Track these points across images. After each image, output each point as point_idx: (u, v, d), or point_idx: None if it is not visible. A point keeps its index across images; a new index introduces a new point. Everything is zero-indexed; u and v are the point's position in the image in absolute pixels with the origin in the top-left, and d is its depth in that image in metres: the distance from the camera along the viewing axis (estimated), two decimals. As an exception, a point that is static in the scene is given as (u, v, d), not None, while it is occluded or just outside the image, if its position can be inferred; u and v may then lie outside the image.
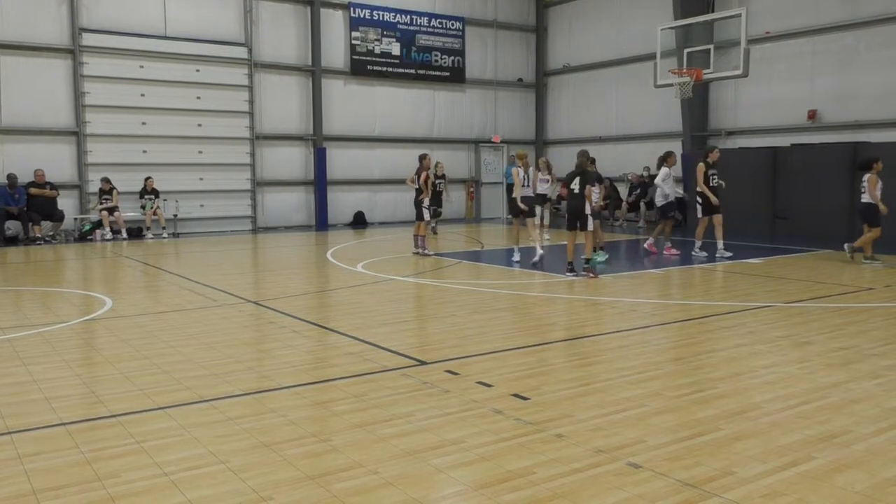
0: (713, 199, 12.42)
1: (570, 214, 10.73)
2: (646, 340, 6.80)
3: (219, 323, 7.72)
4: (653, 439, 4.16)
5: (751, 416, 4.58)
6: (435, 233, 17.45)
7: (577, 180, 10.50)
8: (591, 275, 10.41)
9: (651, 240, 13.42)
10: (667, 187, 12.92)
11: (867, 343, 6.53)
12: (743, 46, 14.97)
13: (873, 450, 4.00)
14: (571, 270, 10.61)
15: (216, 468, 3.79)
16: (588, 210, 10.44)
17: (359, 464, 3.83)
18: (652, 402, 4.88)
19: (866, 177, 11.67)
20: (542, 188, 14.15)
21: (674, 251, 13.00)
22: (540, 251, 11.84)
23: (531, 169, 12.62)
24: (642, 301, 8.86)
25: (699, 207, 12.73)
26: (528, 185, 12.12)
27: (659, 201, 13.11)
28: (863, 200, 11.78)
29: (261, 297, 9.36)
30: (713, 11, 17.88)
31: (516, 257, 12.27)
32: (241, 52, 19.45)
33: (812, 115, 17.35)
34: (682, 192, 13.21)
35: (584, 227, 10.50)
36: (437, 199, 17.02)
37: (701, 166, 12.59)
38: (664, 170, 12.94)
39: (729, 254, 12.46)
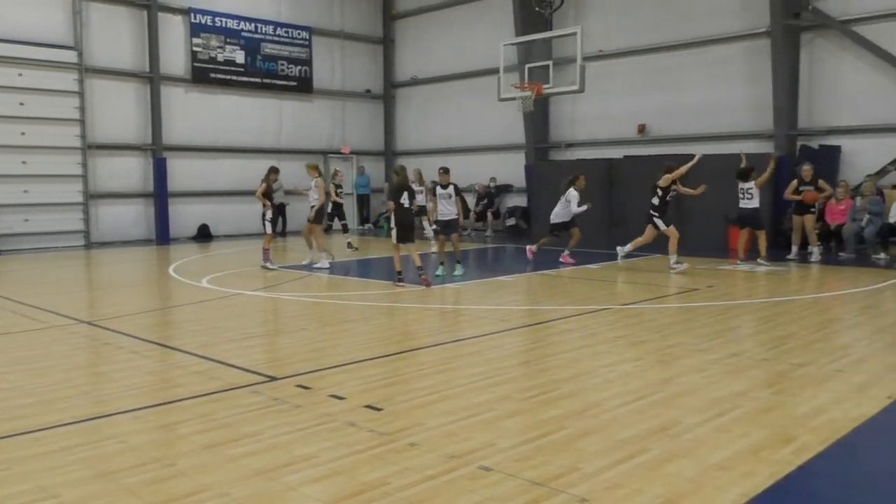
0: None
1: (401, 227, 10.84)
2: (495, 346, 7.00)
3: (48, 346, 7.15)
4: (503, 442, 4.29)
5: (592, 413, 4.84)
6: (352, 247, 16.15)
7: (405, 194, 10.78)
8: (426, 285, 10.56)
9: (566, 252, 13.52)
10: (573, 207, 13.26)
11: (693, 340, 7.07)
12: (579, 63, 15.78)
13: (699, 439, 4.34)
14: (401, 281, 10.71)
15: None
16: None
17: (207, 487, 3.68)
18: (501, 405, 5.03)
19: (749, 184, 12.38)
20: (419, 199, 14.16)
21: (535, 257, 13.49)
22: (310, 258, 13.48)
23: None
24: (492, 307, 9.11)
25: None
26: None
27: (554, 219, 13.42)
28: (748, 206, 12.46)
29: (95, 316, 8.78)
30: (551, 29, 18.74)
31: (326, 263, 13.12)
32: (69, 56, 18.16)
33: (641, 129, 18.63)
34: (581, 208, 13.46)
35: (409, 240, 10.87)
36: (339, 211, 15.92)
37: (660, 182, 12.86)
38: (572, 191, 13.27)
39: (682, 266, 12.45)
